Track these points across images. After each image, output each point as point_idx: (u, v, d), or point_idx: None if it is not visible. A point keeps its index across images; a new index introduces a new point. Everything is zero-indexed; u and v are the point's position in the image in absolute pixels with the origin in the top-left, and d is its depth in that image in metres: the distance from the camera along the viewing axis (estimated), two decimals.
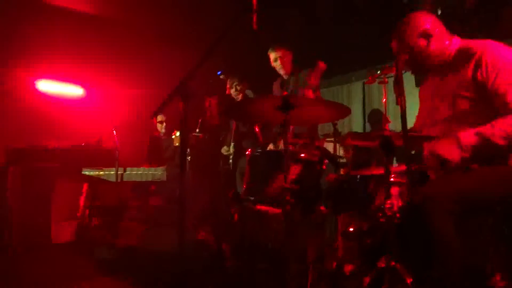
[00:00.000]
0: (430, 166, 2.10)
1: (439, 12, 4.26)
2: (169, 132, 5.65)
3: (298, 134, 3.81)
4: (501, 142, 1.98)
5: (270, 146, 3.91)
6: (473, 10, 4.12)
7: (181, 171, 1.97)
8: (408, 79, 2.38)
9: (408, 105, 1.89)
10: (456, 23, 3.96)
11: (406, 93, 1.87)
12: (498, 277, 2.19)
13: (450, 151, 2.03)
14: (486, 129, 2.00)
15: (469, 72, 2.12)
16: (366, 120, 5.55)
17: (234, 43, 5.23)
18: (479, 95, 2.11)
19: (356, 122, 5.68)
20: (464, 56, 2.19)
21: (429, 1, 4.33)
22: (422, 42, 2.25)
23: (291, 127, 3.69)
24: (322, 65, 3.83)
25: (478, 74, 2.09)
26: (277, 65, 4.29)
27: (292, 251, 2.15)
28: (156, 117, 5.73)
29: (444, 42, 2.26)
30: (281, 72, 4.33)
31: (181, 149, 2.02)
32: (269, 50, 4.32)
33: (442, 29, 2.28)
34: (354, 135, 2.99)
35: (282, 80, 4.37)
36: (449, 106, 2.21)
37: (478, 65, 2.10)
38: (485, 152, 2.04)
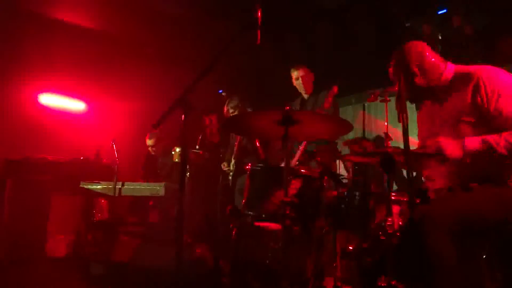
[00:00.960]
0: (428, 153, 2.11)
1: (440, 37, 4.34)
2: (164, 151, 5.62)
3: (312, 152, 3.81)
4: (504, 152, 2.02)
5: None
6: (471, 37, 4.20)
7: (180, 185, 1.96)
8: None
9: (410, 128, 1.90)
10: (455, 49, 4.04)
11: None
12: None
13: (453, 149, 2.07)
14: (493, 138, 2.04)
15: (468, 97, 2.16)
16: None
17: (235, 63, 5.30)
18: (479, 119, 2.14)
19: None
20: (462, 81, 2.22)
21: (429, 26, 4.40)
22: (417, 70, 2.28)
23: (303, 143, 3.70)
24: (335, 88, 3.87)
25: (478, 98, 2.12)
26: (299, 83, 4.35)
27: (290, 268, 2.11)
28: (147, 142, 5.71)
29: (440, 68, 2.30)
30: (302, 91, 4.39)
31: (182, 162, 2.01)
32: (292, 69, 4.39)
33: (436, 56, 2.33)
34: (353, 152, 2.99)
35: (302, 99, 4.42)
36: (451, 131, 2.23)
37: (476, 90, 2.13)
38: (481, 165, 2.07)
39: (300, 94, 4.46)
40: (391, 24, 4.40)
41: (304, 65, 4.36)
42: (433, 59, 2.30)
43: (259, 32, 1.98)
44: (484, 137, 2.06)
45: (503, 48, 3.85)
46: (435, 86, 2.30)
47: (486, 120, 2.12)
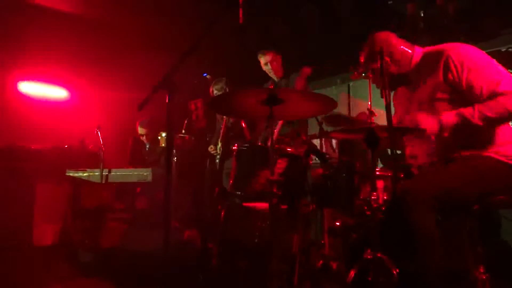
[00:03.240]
0: (409, 127, 2.18)
1: (422, 14, 4.35)
2: (153, 138, 5.59)
3: (284, 134, 3.84)
4: (479, 123, 2.07)
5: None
6: (454, 15, 4.22)
7: (166, 169, 1.95)
8: None
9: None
10: (438, 31, 4.06)
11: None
12: (481, 269, 2.24)
13: (429, 124, 2.13)
14: (467, 111, 2.10)
15: (440, 74, 2.21)
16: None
17: (219, 46, 5.25)
18: (453, 95, 2.19)
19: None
20: (431, 61, 2.27)
21: (413, 5, 4.40)
22: (389, 60, 2.33)
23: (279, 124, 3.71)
24: (306, 70, 3.88)
25: (449, 75, 2.18)
26: (268, 68, 4.33)
27: (278, 246, 2.14)
28: (138, 130, 5.66)
29: (408, 54, 2.36)
30: (273, 75, 4.37)
31: (167, 145, 2.00)
32: (259, 55, 4.36)
33: (403, 43, 2.40)
34: (336, 118, 3.03)
35: (274, 83, 4.39)
36: (429, 111, 2.27)
37: (446, 67, 2.19)
38: (462, 136, 2.14)
39: (269, 78, 4.44)
40: (374, 3, 4.40)
41: (271, 49, 4.32)
42: (401, 46, 2.36)
43: (241, 11, 1.97)
44: (458, 110, 2.12)
45: (485, 27, 3.90)
46: (405, 70, 2.35)
47: (460, 95, 2.17)
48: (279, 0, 4.81)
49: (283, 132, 3.90)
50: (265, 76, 4.47)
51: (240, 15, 1.98)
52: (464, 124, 2.10)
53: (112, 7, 5.69)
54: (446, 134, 2.14)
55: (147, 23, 6.03)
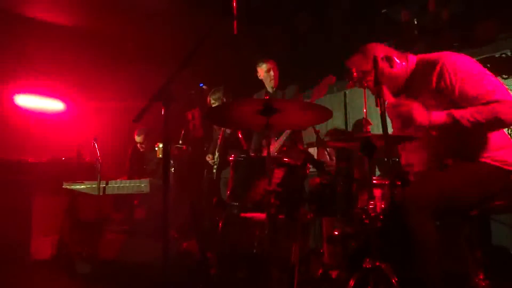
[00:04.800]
0: (394, 114, 2.17)
1: (415, 22, 4.38)
2: (152, 147, 5.59)
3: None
4: (468, 124, 2.06)
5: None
6: (447, 21, 4.25)
7: (164, 179, 1.95)
8: None
9: None
10: (432, 38, 4.09)
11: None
12: (481, 276, 2.24)
13: (420, 115, 2.12)
14: (458, 112, 2.10)
15: (433, 83, 2.21)
16: (349, 129, 5.60)
17: (215, 56, 5.27)
18: (445, 105, 2.19)
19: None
20: (425, 69, 2.28)
21: (407, 12, 4.43)
22: (385, 65, 2.34)
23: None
24: (330, 78, 3.82)
25: (442, 84, 2.18)
26: (269, 75, 4.32)
27: (276, 256, 2.14)
28: (135, 138, 5.67)
29: (402, 62, 2.36)
30: (270, 84, 4.35)
31: (164, 156, 2.00)
32: (259, 63, 4.37)
33: (396, 52, 2.40)
34: (336, 132, 3.04)
35: (268, 92, 4.38)
36: None
37: (440, 76, 2.18)
38: (456, 141, 2.16)
39: (263, 87, 4.44)
40: (368, 12, 4.42)
41: (271, 59, 4.35)
42: (394, 52, 2.37)
43: (235, 22, 1.98)
44: (449, 111, 2.12)
45: (480, 32, 3.92)
46: (402, 80, 2.36)
47: (451, 104, 2.16)
48: (275, 10, 4.83)
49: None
50: (260, 86, 4.47)
51: (235, 26, 1.99)
52: (453, 124, 2.09)
53: (107, 19, 5.72)
54: (434, 133, 2.14)
55: (143, 34, 6.07)
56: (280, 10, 4.90)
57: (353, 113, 5.62)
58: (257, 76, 4.47)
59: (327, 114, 2.12)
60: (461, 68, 2.16)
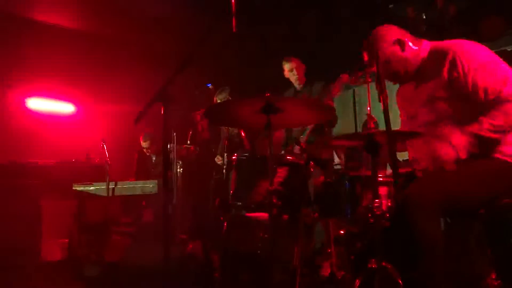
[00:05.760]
0: (426, 168, 2.08)
1: (424, 16, 4.31)
2: (158, 150, 5.60)
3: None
4: (491, 135, 2.00)
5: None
6: (455, 17, 4.17)
7: (163, 180, 1.94)
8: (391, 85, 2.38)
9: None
10: (440, 34, 4.01)
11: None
12: (493, 276, 2.17)
13: (446, 154, 2.03)
14: (475, 128, 2.02)
15: (445, 73, 2.13)
16: (359, 126, 5.54)
17: (221, 56, 5.25)
18: (455, 94, 2.12)
19: (350, 131, 5.66)
20: (437, 58, 2.20)
21: (412, 7, 4.37)
22: (397, 49, 2.27)
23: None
24: (344, 77, 3.83)
25: (454, 73, 2.10)
26: (293, 74, 4.35)
27: (279, 257, 2.10)
28: (141, 143, 5.68)
29: (417, 46, 2.29)
30: (296, 82, 4.39)
31: (163, 156, 1.98)
32: (284, 61, 4.40)
33: (411, 36, 2.32)
34: (337, 136, 2.98)
35: (295, 90, 4.43)
36: (429, 111, 2.22)
37: (453, 65, 2.11)
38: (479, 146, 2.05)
39: (291, 85, 4.46)
40: (375, 7, 4.36)
41: (296, 57, 4.37)
42: (407, 36, 2.30)
43: (234, 19, 1.95)
44: (467, 129, 2.03)
45: (486, 28, 3.83)
46: (416, 65, 2.29)
47: (461, 95, 2.09)
48: (279, 7, 4.79)
49: (310, 140, 3.89)
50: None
51: (234, 24, 1.96)
52: (476, 140, 2.01)
53: (117, 23, 5.75)
54: (463, 156, 2.03)
55: (151, 38, 6.09)
56: (287, 8, 4.84)
57: (363, 112, 5.56)
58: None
59: (329, 111, 2.08)
60: (474, 57, 2.08)
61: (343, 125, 5.66)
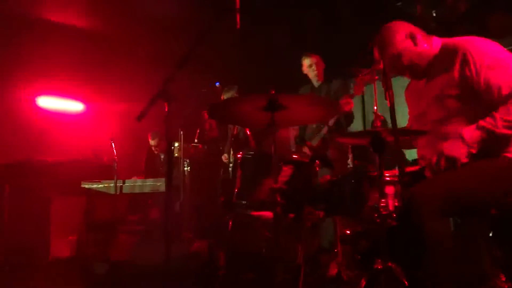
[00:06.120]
0: (439, 168, 2.04)
1: (434, 14, 4.24)
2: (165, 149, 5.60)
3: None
4: (506, 131, 1.95)
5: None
6: (463, 14, 4.10)
7: (167, 178, 1.94)
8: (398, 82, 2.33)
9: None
10: (446, 28, 3.94)
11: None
12: (503, 278, 2.12)
13: (458, 150, 1.98)
14: (488, 122, 1.97)
15: (456, 70, 2.09)
16: (367, 125, 5.48)
17: (228, 54, 5.24)
18: (466, 92, 2.08)
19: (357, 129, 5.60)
20: (448, 55, 2.16)
21: (421, 4, 4.30)
22: (410, 43, 2.24)
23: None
24: (364, 77, 3.79)
25: (466, 70, 2.06)
26: (312, 70, 4.33)
27: (283, 256, 2.08)
28: (149, 142, 5.69)
29: (427, 42, 2.26)
30: (315, 78, 4.37)
31: (167, 154, 1.98)
32: (303, 57, 4.37)
33: (421, 32, 2.29)
34: (343, 134, 2.95)
35: (312, 87, 4.41)
36: (438, 108, 2.18)
37: (464, 62, 2.07)
38: (490, 144, 2.00)
39: (308, 81, 4.43)
40: (382, 5, 4.30)
41: (317, 53, 4.34)
42: (418, 31, 2.26)
43: (238, 16, 1.94)
44: (480, 124, 1.98)
45: (495, 25, 3.76)
46: (427, 60, 2.25)
47: (473, 92, 2.05)
48: (285, 6, 4.75)
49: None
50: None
51: (238, 20, 1.95)
52: (489, 137, 1.96)
53: (126, 23, 5.77)
54: (474, 151, 1.98)
55: (160, 37, 6.09)
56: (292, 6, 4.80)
57: (371, 110, 5.49)
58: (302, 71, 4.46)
59: (334, 108, 2.05)
60: (487, 54, 2.04)
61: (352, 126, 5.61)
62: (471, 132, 1.99)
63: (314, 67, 4.30)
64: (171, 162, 1.98)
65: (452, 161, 1.98)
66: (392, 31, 2.27)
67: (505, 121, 1.94)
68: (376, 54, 2.30)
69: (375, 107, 2.11)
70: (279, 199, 1.94)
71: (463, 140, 1.98)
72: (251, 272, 2.31)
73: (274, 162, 2.00)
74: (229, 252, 2.47)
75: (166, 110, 1.94)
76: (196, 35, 2.01)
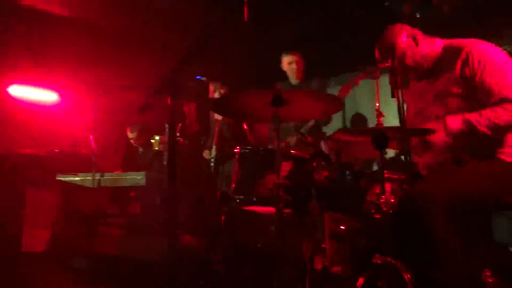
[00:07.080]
0: (414, 146, 2.11)
1: (418, 15, 4.32)
2: (146, 142, 5.50)
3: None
4: (486, 130, 2.02)
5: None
6: (450, 15, 4.19)
7: (169, 172, 1.89)
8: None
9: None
10: (433, 29, 4.02)
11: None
12: (488, 273, 2.19)
13: (437, 134, 2.06)
14: (473, 117, 2.05)
15: (457, 70, 2.16)
16: (347, 124, 5.53)
17: (219, 49, 5.16)
18: (467, 91, 2.15)
19: (336, 127, 5.65)
20: (451, 54, 2.23)
21: (408, 5, 4.37)
22: (411, 43, 2.29)
23: None
24: (357, 80, 3.76)
25: (466, 70, 2.13)
26: (291, 68, 4.28)
27: (284, 252, 2.08)
28: (128, 135, 5.56)
29: (428, 43, 2.32)
30: (293, 76, 4.31)
31: (170, 148, 1.94)
32: (284, 54, 4.32)
33: (422, 33, 2.35)
34: (345, 130, 2.98)
35: (291, 85, 4.34)
36: (440, 106, 2.24)
37: (465, 62, 2.14)
38: (470, 139, 2.09)
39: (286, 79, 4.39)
40: (370, 5, 4.35)
41: (297, 51, 4.31)
42: (419, 32, 2.33)
43: (246, 8, 1.90)
44: (465, 116, 2.06)
45: (482, 26, 3.86)
46: (431, 61, 2.30)
47: (473, 91, 2.12)
48: (283, 4, 4.70)
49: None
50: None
51: (245, 13, 1.91)
52: (469, 131, 2.05)
53: (104, 10, 5.58)
54: (450, 141, 2.09)
55: (141, 26, 5.93)
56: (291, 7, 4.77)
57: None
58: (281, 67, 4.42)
59: (337, 104, 2.06)
60: (486, 57, 2.11)
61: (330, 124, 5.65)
62: (454, 122, 2.07)
63: (294, 65, 4.26)
64: (174, 155, 1.94)
65: (427, 143, 2.08)
66: (394, 32, 2.31)
67: (491, 122, 2.02)
68: (377, 54, 2.33)
69: (377, 104, 2.13)
70: (282, 194, 1.94)
71: (444, 126, 2.07)
72: (248, 267, 2.29)
73: (277, 157, 2.00)
74: (225, 247, 2.45)
75: (169, 103, 1.88)
76: (205, 29, 1.95)
